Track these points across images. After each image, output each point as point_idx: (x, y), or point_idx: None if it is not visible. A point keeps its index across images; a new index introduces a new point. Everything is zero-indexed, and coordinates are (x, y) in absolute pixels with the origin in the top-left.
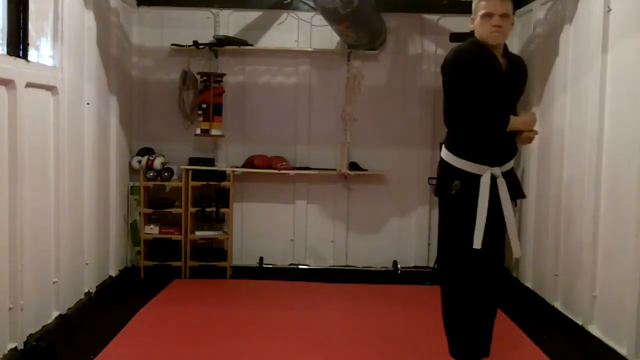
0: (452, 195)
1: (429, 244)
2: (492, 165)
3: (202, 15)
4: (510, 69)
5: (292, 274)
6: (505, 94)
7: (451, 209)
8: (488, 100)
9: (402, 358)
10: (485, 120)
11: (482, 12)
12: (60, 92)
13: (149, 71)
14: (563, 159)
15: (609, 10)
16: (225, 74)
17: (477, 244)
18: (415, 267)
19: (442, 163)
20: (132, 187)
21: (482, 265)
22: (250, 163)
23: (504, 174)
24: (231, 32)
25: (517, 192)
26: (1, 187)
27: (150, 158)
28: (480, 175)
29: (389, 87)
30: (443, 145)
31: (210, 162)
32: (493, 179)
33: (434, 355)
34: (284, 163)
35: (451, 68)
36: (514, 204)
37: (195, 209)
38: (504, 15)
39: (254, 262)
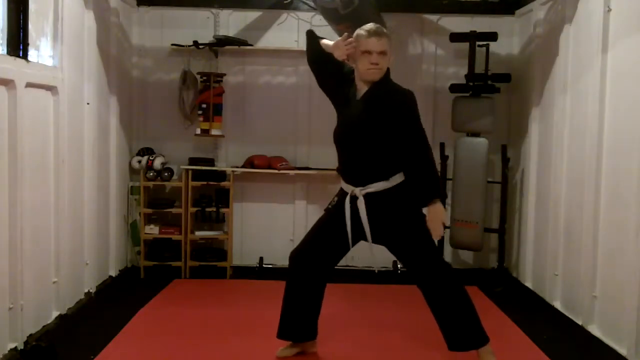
0: (329, 208)
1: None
2: (356, 186)
3: (202, 15)
4: (368, 100)
5: None
6: (352, 119)
7: (325, 218)
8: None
9: (402, 358)
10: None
11: (362, 48)
12: (60, 92)
13: (149, 71)
14: (563, 159)
15: (609, 10)
16: (225, 74)
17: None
18: None
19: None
20: (132, 187)
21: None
22: (250, 163)
23: (371, 195)
24: (231, 32)
25: (394, 210)
26: (1, 187)
27: (150, 158)
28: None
29: None
30: None
31: (210, 162)
32: (355, 198)
33: (433, 355)
34: (284, 163)
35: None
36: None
37: (195, 209)
38: (382, 53)
39: (254, 262)
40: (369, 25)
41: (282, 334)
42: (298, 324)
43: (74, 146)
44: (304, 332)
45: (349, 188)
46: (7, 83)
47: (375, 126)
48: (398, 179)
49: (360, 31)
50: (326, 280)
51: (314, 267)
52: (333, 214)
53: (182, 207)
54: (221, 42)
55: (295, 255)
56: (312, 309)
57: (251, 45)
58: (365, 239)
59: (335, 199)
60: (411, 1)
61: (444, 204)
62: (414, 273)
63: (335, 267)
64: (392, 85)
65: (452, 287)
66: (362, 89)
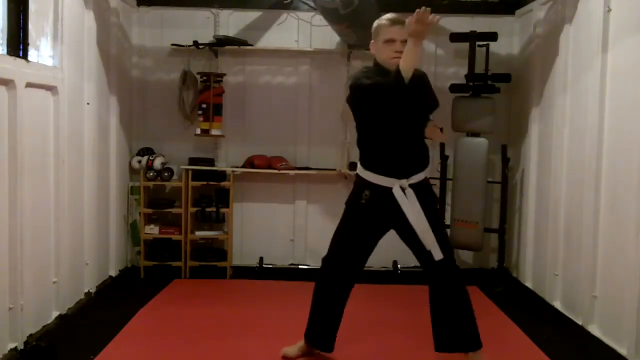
0: (362, 204)
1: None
2: (400, 178)
3: (202, 15)
4: (411, 84)
5: (292, 274)
6: (404, 108)
7: (360, 217)
8: (388, 116)
9: (402, 358)
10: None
11: (386, 37)
12: (60, 92)
13: (149, 71)
14: (563, 159)
15: (609, 10)
16: (225, 74)
17: (437, 253)
18: (415, 267)
19: (356, 176)
20: (132, 187)
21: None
22: (250, 163)
23: (414, 186)
24: (231, 32)
25: (432, 199)
26: (1, 187)
27: (150, 158)
28: (387, 187)
29: None
30: (358, 162)
31: (210, 162)
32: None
33: (433, 355)
34: (284, 163)
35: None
36: (431, 210)
37: (195, 209)
38: (404, 41)
39: (254, 262)
40: (390, 15)
41: (308, 337)
42: (323, 331)
43: (74, 146)
44: (325, 342)
45: (389, 181)
46: (7, 83)
47: (421, 111)
48: (427, 169)
49: (382, 21)
50: (354, 284)
51: (348, 271)
52: (364, 210)
53: (182, 207)
54: (221, 42)
55: (330, 260)
56: (337, 317)
57: (251, 45)
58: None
59: (367, 193)
60: (411, 1)
61: (443, 205)
62: (430, 265)
63: None
64: None
65: (460, 285)
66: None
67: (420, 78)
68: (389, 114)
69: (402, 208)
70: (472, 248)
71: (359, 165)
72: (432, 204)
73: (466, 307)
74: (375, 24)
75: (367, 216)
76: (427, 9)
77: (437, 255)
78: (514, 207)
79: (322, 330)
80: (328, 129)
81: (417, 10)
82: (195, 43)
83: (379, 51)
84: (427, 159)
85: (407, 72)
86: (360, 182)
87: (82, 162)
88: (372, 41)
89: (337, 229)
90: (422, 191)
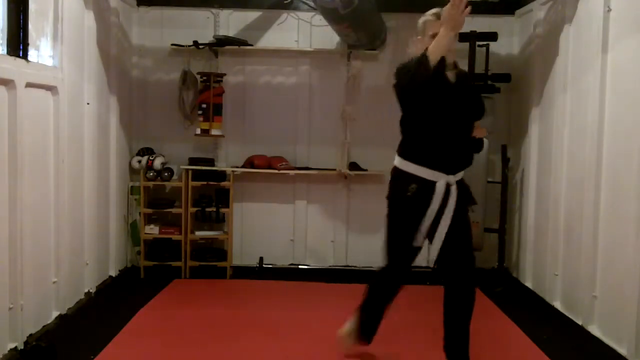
0: (409, 197)
1: (429, 244)
2: (447, 173)
3: (202, 15)
4: (458, 82)
5: (292, 274)
6: (455, 104)
7: (406, 209)
8: (438, 109)
9: (402, 358)
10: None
11: (431, 32)
12: (60, 92)
13: (149, 71)
14: (563, 159)
15: (609, 10)
16: (225, 74)
17: (419, 242)
18: (415, 267)
19: (397, 170)
20: (132, 187)
21: (412, 259)
22: (250, 163)
23: (458, 183)
24: (231, 32)
25: (469, 199)
26: (1, 187)
27: (150, 158)
28: (434, 182)
29: (389, 87)
30: (397, 154)
31: (210, 162)
32: (447, 186)
33: (434, 355)
34: (284, 163)
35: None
36: (468, 209)
37: (195, 209)
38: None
39: (254, 262)
40: (435, 10)
41: (364, 333)
42: (374, 327)
43: (74, 146)
44: (372, 335)
45: (438, 176)
46: (7, 83)
47: (476, 106)
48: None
49: (427, 16)
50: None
51: (409, 268)
52: (412, 204)
53: (182, 207)
54: (221, 42)
55: (393, 265)
56: (385, 312)
57: (251, 45)
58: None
59: (414, 186)
60: (411, 1)
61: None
62: (456, 265)
63: (335, 267)
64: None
65: (473, 293)
66: (451, 75)
67: (464, 76)
68: (431, 103)
69: (432, 201)
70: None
71: (401, 159)
72: (465, 206)
73: (471, 311)
74: (421, 20)
75: (416, 209)
76: None
77: (434, 256)
78: (514, 207)
79: (373, 326)
80: (328, 129)
81: None
82: (195, 43)
83: (427, 46)
84: (472, 156)
85: (433, 55)
86: (403, 175)
87: (82, 162)
88: (419, 37)
89: (389, 232)
90: (462, 190)
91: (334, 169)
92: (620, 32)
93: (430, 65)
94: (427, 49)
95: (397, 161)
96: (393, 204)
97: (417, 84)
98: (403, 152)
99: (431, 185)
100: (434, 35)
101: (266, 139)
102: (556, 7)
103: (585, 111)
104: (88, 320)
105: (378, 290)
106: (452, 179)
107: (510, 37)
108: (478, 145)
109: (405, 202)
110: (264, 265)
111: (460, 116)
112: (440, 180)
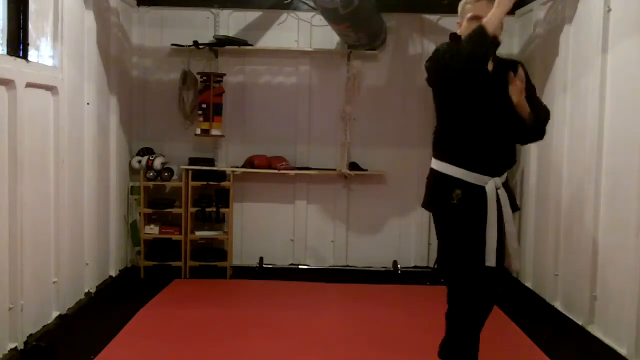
0: (454, 205)
1: (429, 244)
2: (493, 175)
3: (202, 15)
4: (497, 71)
5: (292, 274)
6: (493, 94)
7: (454, 221)
8: (476, 99)
9: (402, 358)
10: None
11: (469, 15)
12: (60, 92)
13: (149, 71)
14: (563, 159)
15: (609, 10)
16: (225, 74)
17: (491, 261)
18: (415, 267)
19: (435, 173)
20: (132, 187)
21: (490, 281)
22: (250, 163)
23: (503, 185)
24: (231, 32)
25: (513, 204)
26: (1, 187)
27: (150, 158)
28: (481, 186)
29: (389, 87)
30: (434, 157)
31: (210, 162)
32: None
33: (434, 355)
34: (284, 163)
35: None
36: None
37: (195, 209)
38: None
39: (254, 262)
40: None
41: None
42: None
43: (74, 146)
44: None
45: (482, 179)
46: (7, 83)
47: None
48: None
49: None
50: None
51: (482, 284)
52: (460, 212)
53: (182, 207)
54: (221, 42)
55: (464, 288)
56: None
57: (251, 45)
58: None
59: (459, 192)
60: (411, 1)
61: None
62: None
63: (335, 267)
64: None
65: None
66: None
67: (510, 65)
68: (479, 92)
69: (488, 209)
70: None
71: (438, 161)
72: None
73: None
74: (461, 3)
75: (466, 218)
76: None
77: (516, 265)
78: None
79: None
80: (328, 129)
81: None
82: (195, 43)
83: (465, 30)
84: (516, 154)
85: (489, 28)
86: (444, 179)
87: (82, 162)
88: (458, 21)
89: (447, 252)
90: (508, 191)
91: (334, 169)
92: (620, 32)
93: (490, 35)
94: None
95: (435, 163)
96: (439, 216)
97: (475, 60)
98: (440, 152)
99: (479, 190)
100: (472, 18)
101: (266, 139)
102: (556, 7)
103: (585, 111)
104: (88, 320)
105: (465, 324)
106: (499, 181)
107: (510, 37)
108: (537, 128)
109: (453, 211)
110: (264, 265)
111: (504, 108)
112: (489, 183)
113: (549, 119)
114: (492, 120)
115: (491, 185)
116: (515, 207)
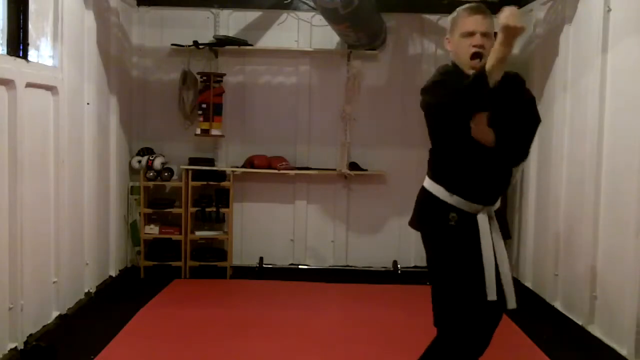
0: (452, 226)
1: None
2: (486, 204)
3: (202, 15)
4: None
5: (292, 274)
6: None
7: (451, 242)
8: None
9: (402, 358)
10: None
11: (462, 31)
12: (60, 92)
13: (149, 71)
14: (563, 159)
15: (609, 10)
16: (225, 74)
17: (492, 295)
18: (415, 267)
19: (428, 194)
20: (132, 187)
21: (492, 318)
22: (250, 163)
23: (495, 212)
24: (231, 32)
25: (505, 233)
26: (1, 186)
27: (150, 158)
28: (473, 214)
29: (389, 87)
30: (428, 176)
31: (210, 162)
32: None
33: None
34: (284, 163)
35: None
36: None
37: (195, 209)
38: (485, 34)
39: (254, 262)
40: (470, 4)
41: None
42: None
43: (74, 146)
44: None
45: (474, 208)
46: (7, 83)
47: (525, 118)
48: None
49: (458, 11)
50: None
51: (483, 307)
52: (458, 233)
53: (182, 207)
54: (221, 42)
55: (465, 314)
56: None
57: (251, 45)
58: None
59: (454, 215)
60: (411, 1)
61: None
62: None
63: (335, 267)
64: None
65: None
66: None
67: (513, 80)
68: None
69: (481, 240)
70: None
71: (433, 183)
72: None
73: None
74: (451, 15)
75: (463, 238)
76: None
77: (511, 303)
78: (514, 207)
79: None
80: (328, 129)
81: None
82: (195, 43)
83: (456, 47)
84: (511, 179)
85: (493, 74)
86: (439, 203)
87: (82, 162)
88: (447, 37)
89: (445, 280)
90: (500, 220)
91: (334, 169)
92: (620, 32)
93: (489, 86)
94: (483, 66)
95: (428, 183)
96: (434, 237)
97: (467, 106)
98: (434, 175)
99: (471, 217)
100: (464, 34)
101: (266, 139)
102: (556, 7)
103: (585, 111)
104: (88, 320)
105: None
106: (492, 210)
107: None
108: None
109: (450, 233)
110: (264, 265)
111: (502, 135)
112: (481, 213)
113: (526, 147)
114: (488, 150)
115: (484, 215)
116: (507, 236)
